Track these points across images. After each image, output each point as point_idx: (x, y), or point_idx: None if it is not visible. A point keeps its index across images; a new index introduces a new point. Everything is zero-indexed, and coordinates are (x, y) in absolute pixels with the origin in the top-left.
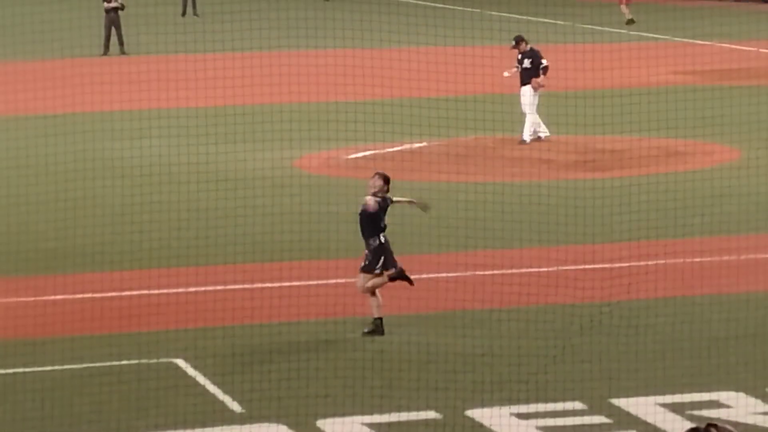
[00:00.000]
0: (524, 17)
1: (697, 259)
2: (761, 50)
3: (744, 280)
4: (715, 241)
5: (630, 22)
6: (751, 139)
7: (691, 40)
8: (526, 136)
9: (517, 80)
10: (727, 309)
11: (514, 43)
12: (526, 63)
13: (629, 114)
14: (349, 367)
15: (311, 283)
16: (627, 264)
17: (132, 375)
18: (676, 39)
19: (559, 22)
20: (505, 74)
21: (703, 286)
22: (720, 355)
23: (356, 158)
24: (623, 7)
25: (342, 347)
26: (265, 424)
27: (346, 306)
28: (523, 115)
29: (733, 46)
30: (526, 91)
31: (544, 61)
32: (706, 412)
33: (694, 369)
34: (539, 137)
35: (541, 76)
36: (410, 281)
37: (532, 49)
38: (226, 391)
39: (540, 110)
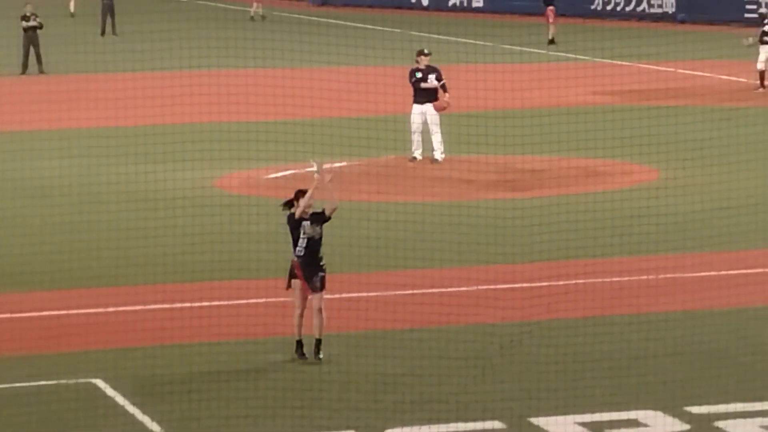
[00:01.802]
0: (444, 37)
1: (616, 279)
2: (679, 71)
3: (662, 300)
4: (634, 261)
5: (551, 42)
6: (669, 159)
7: (610, 61)
8: (438, 155)
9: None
10: (645, 328)
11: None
12: (431, 79)
13: (549, 134)
14: (269, 388)
15: (231, 303)
16: (547, 284)
17: (51, 396)
18: (596, 59)
19: (479, 42)
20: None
21: (622, 305)
22: (638, 374)
23: (276, 178)
24: (551, 27)
25: (263, 368)
26: None
27: (267, 326)
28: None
29: (652, 67)
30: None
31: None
32: (622, 431)
33: (613, 388)
34: (415, 158)
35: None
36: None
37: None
38: (145, 412)
39: (454, 130)
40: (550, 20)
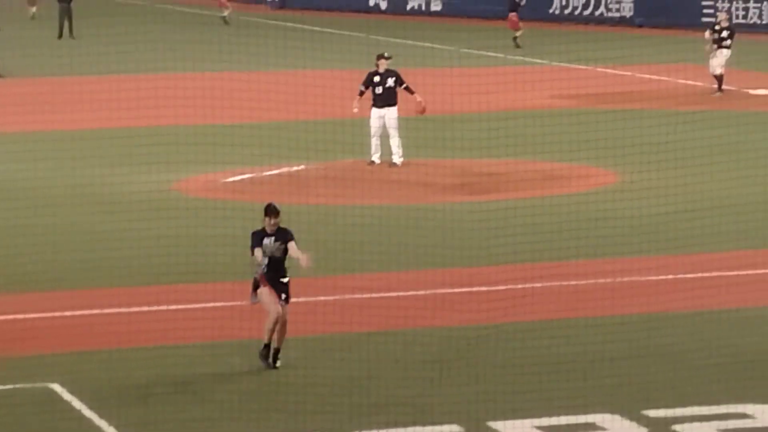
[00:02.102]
0: (403, 41)
1: (574, 282)
2: (637, 74)
3: (621, 303)
4: (592, 264)
5: (517, 45)
6: (627, 163)
7: (569, 65)
8: (397, 158)
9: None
10: (603, 331)
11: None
12: (390, 82)
13: (508, 137)
14: (228, 391)
15: (189, 306)
16: (505, 287)
17: (7, 400)
18: (556, 63)
19: (437, 45)
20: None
21: (581, 308)
22: (596, 377)
23: (234, 181)
24: (516, 31)
25: (221, 371)
26: None
27: (225, 329)
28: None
29: (611, 71)
30: (394, 112)
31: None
32: None
33: (571, 391)
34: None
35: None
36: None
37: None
38: (102, 416)
39: (412, 133)
40: (515, 25)
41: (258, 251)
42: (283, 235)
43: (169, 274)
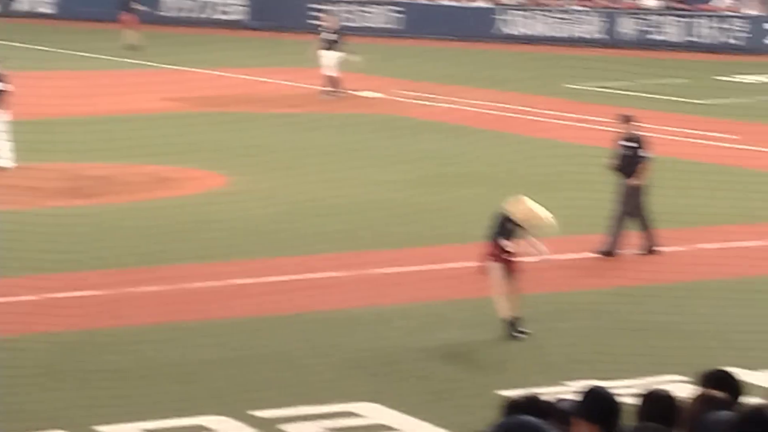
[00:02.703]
0: (9, 43)
1: (186, 285)
2: (247, 77)
3: (230, 305)
4: (202, 267)
5: (131, 47)
6: (235, 165)
7: (180, 68)
8: (6, 162)
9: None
10: (212, 333)
11: None
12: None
13: (118, 140)
14: None
15: None
16: (114, 291)
17: None
18: (166, 66)
19: (48, 48)
20: None
21: (190, 311)
22: (205, 380)
23: None
24: (130, 32)
25: None
26: None
27: None
28: None
29: (219, 73)
30: (3, 115)
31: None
32: None
33: (180, 394)
34: None
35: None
36: None
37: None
38: None
39: (21, 137)
40: (130, 26)
41: None
42: None
43: None
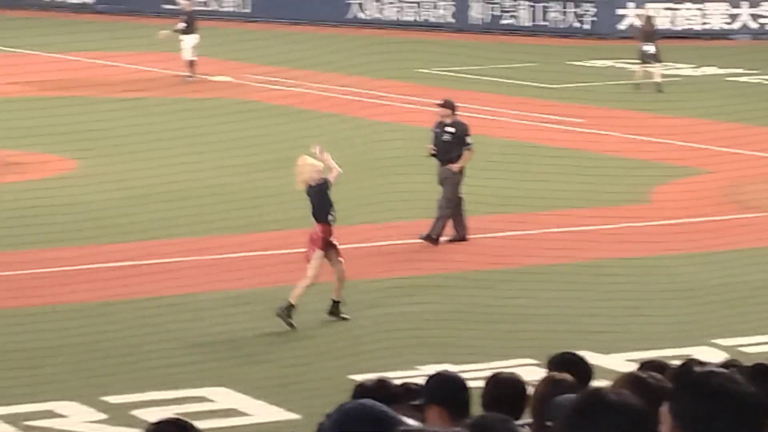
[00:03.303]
0: None
1: (30, 270)
2: (92, 61)
3: (75, 290)
4: (47, 252)
5: None
6: (83, 149)
7: (24, 51)
8: None
9: None
10: (60, 318)
11: None
12: None
13: None
14: None
15: None
16: None
17: None
18: (7, 49)
19: None
20: None
21: (36, 296)
22: (54, 365)
23: None
24: None
25: None
26: None
27: None
28: None
29: (65, 57)
30: None
31: None
32: (41, 422)
33: (28, 379)
34: None
35: None
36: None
37: None
38: None
39: None
40: None
41: None
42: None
43: None
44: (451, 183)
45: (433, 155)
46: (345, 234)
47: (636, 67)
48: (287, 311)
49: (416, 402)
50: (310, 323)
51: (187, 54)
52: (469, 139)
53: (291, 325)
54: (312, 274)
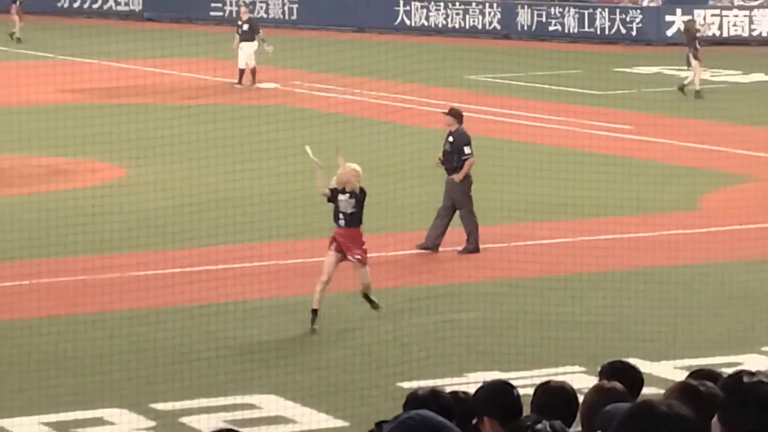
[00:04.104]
0: None
1: (81, 277)
2: (144, 68)
3: (127, 297)
4: (99, 259)
5: (18, 40)
6: (133, 157)
7: (75, 59)
8: None
9: None
10: (110, 326)
11: None
12: None
13: (14, 132)
14: None
15: None
16: (10, 283)
17: None
18: (62, 57)
19: None
20: None
21: (87, 303)
22: (103, 372)
23: None
24: (17, 24)
25: None
26: None
27: None
28: None
29: (116, 64)
30: None
31: None
32: (89, 430)
33: (78, 387)
34: None
35: None
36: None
37: None
38: None
39: None
40: (16, 17)
41: None
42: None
43: None
44: (458, 195)
45: (441, 164)
46: (396, 241)
47: (688, 74)
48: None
49: (469, 412)
50: (359, 330)
51: (249, 61)
52: (467, 149)
53: (376, 306)
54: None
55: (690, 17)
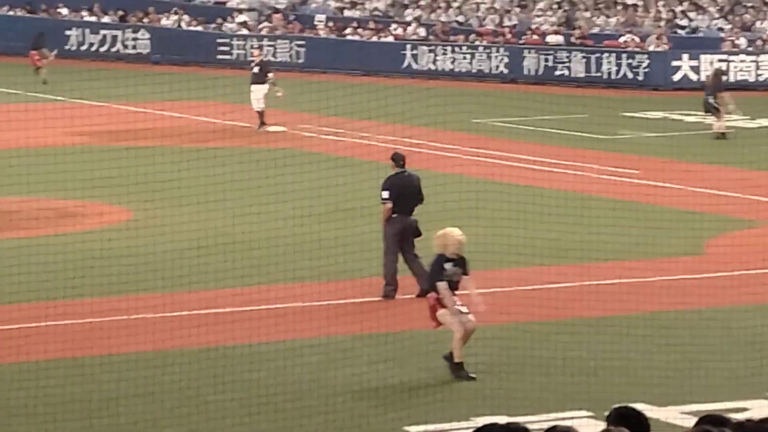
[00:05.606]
0: None
1: (88, 320)
2: (152, 111)
3: (135, 340)
4: (106, 302)
5: (44, 82)
6: (140, 200)
7: (84, 101)
8: None
9: None
10: (117, 369)
11: None
12: None
13: (20, 175)
14: None
15: None
16: (18, 326)
17: None
18: (70, 100)
19: None
20: None
21: (93, 346)
22: (110, 416)
23: None
24: (43, 69)
25: None
26: None
27: None
28: None
29: (125, 107)
30: None
31: None
32: None
33: (85, 430)
34: None
35: None
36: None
37: None
38: None
39: None
40: (41, 62)
41: None
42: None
43: None
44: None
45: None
46: (405, 285)
47: (713, 120)
48: (456, 368)
49: None
50: (366, 374)
51: (259, 104)
52: (384, 194)
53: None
54: (457, 327)
55: (719, 66)
